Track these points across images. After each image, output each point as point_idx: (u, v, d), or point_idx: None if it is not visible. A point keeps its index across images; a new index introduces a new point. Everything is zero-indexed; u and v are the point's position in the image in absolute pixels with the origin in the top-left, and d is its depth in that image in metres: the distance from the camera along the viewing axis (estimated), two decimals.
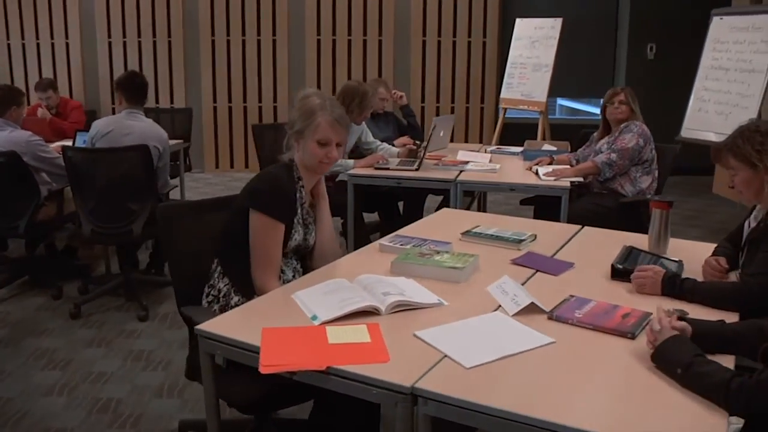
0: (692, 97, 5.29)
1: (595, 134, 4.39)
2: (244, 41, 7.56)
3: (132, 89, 4.04)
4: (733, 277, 2.27)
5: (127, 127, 3.95)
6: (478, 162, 4.45)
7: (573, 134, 7.85)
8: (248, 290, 2.27)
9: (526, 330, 1.86)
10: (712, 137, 4.93)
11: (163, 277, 4.46)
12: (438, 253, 2.38)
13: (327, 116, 2.29)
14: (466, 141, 8.00)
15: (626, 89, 4.15)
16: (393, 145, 4.75)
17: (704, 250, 2.51)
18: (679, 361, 1.59)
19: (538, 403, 1.51)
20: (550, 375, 1.65)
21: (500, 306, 2.03)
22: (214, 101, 7.65)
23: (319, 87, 7.75)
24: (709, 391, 1.50)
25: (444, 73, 7.95)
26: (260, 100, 7.73)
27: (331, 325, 1.85)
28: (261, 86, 7.70)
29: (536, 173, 4.12)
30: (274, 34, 7.57)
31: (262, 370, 1.63)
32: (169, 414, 2.93)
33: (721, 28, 5.13)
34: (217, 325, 1.87)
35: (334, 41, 7.68)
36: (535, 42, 7.33)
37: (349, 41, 7.71)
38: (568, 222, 3.66)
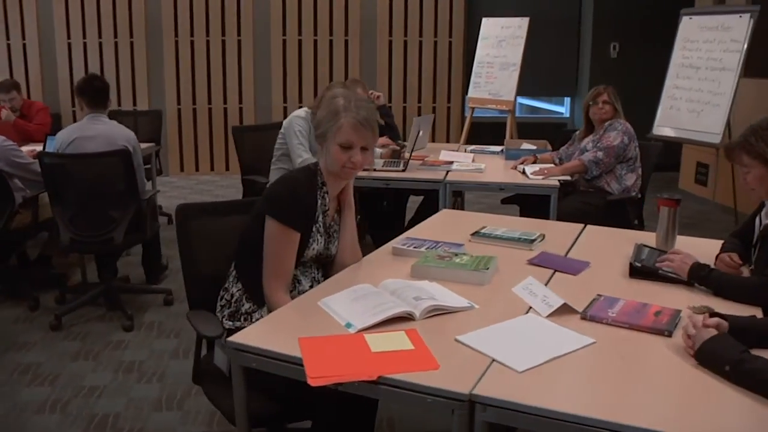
0: (663, 95, 5.40)
1: (577, 133, 4.44)
2: (208, 42, 7.42)
3: (92, 93, 3.89)
4: (746, 272, 2.32)
5: (90, 130, 3.82)
6: (462, 162, 4.46)
7: (537, 132, 8.01)
8: (260, 298, 2.21)
9: (564, 331, 1.85)
10: (684, 134, 5.04)
11: (144, 285, 4.35)
12: (456, 255, 2.35)
13: (350, 118, 2.17)
14: (433, 141, 8.01)
15: (609, 88, 4.20)
16: None
17: (710, 246, 2.56)
18: (726, 358, 1.60)
19: (597, 404, 1.50)
20: (600, 375, 1.65)
21: (531, 308, 2.02)
22: (178, 103, 7.48)
23: (284, 88, 7.67)
24: (764, 386, 1.52)
25: (410, 72, 7.95)
26: (225, 102, 7.59)
27: (368, 333, 1.80)
28: (226, 88, 7.57)
29: (523, 172, 4.14)
30: (239, 34, 7.45)
31: (312, 382, 1.57)
32: (172, 427, 2.84)
33: (690, 27, 5.26)
34: (250, 336, 1.81)
35: (300, 41, 7.60)
36: (502, 41, 7.38)
37: (315, 41, 7.64)
38: (557, 220, 3.69)
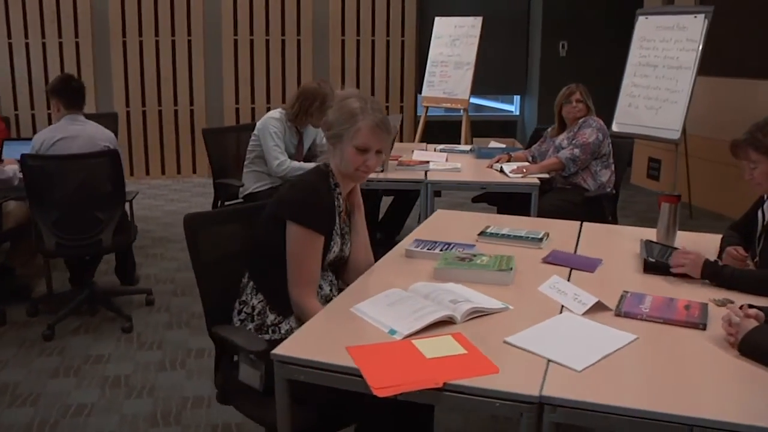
0: (621, 92, 5.56)
1: (548, 131, 4.51)
2: (157, 42, 7.19)
3: (69, 94, 3.77)
4: (750, 264, 2.40)
5: (71, 131, 3.70)
6: (437, 161, 4.46)
7: (488, 131, 8.12)
8: (284, 307, 2.16)
9: (605, 328, 1.87)
10: (643, 131, 5.20)
11: (124, 287, 4.25)
12: (475, 256, 2.35)
13: (368, 121, 2.15)
14: (401, 140, 8.01)
15: (580, 86, 4.28)
16: None
17: (708, 240, 2.66)
18: None
19: (660, 398, 1.53)
20: (653, 370, 1.68)
21: (563, 306, 2.03)
22: (127, 105, 7.23)
23: (236, 88, 7.52)
24: None
25: (363, 72, 7.93)
26: (176, 104, 7.39)
27: (415, 339, 1.78)
28: (176, 89, 7.36)
29: (501, 170, 4.18)
30: (189, 34, 7.25)
31: (377, 393, 1.54)
32: None
33: (647, 27, 5.43)
34: (293, 348, 1.75)
35: (251, 41, 7.46)
36: (455, 40, 7.45)
37: (267, 41, 7.52)
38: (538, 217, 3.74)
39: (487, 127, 8.42)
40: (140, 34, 7.13)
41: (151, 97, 7.30)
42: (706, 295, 2.13)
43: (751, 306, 1.86)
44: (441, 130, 7.64)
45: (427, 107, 7.57)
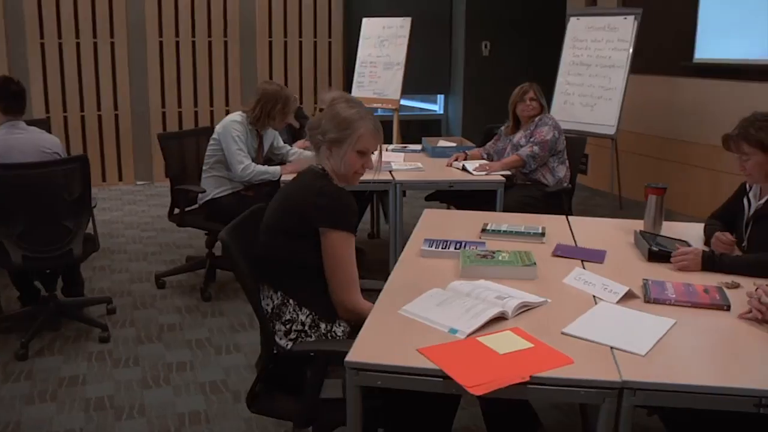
0: (556, 90, 5.80)
1: (502, 129, 4.64)
2: (78, 44, 6.84)
3: (9, 98, 3.54)
4: (736, 250, 2.59)
5: (17, 140, 3.48)
6: (396, 161, 4.51)
7: (415, 130, 8.25)
8: (331, 315, 2.17)
9: (645, 315, 1.99)
10: (579, 127, 5.46)
11: (85, 298, 4.07)
12: (494, 252, 2.42)
13: (369, 125, 2.20)
14: None
15: (533, 86, 4.44)
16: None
17: (690, 229, 2.85)
18: None
19: (730, 375, 1.66)
20: (709, 349, 1.82)
21: (594, 296, 2.13)
22: (47, 111, 6.83)
23: (162, 91, 7.27)
24: None
25: (291, 73, 7.86)
26: (99, 108, 7.05)
27: (480, 336, 1.82)
28: (99, 92, 7.02)
29: (464, 169, 4.28)
30: (112, 36, 6.94)
31: (474, 391, 1.57)
32: None
33: (578, 27, 5.69)
34: (361, 355, 1.74)
35: (177, 43, 7.23)
36: (384, 41, 7.52)
37: (194, 42, 7.31)
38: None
39: (412, 126, 8.54)
40: (59, 36, 6.75)
41: (73, 102, 6.93)
42: (714, 279, 2.29)
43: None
44: None
45: None
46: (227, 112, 7.58)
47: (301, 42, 7.83)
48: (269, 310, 2.18)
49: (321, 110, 2.27)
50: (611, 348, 1.77)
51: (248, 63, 7.59)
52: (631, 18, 5.25)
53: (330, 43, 7.98)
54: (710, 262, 2.37)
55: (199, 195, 4.24)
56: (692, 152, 5.60)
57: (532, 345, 1.77)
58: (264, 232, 2.23)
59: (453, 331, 1.85)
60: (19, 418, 2.93)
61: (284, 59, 7.79)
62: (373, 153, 2.27)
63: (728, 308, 2.04)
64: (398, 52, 7.37)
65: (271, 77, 7.71)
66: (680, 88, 5.61)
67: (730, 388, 1.59)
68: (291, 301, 2.16)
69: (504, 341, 1.79)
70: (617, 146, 5.61)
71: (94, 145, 7.07)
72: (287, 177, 4.07)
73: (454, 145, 5.05)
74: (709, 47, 5.24)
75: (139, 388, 3.19)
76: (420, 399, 1.91)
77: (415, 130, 8.07)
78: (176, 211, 4.32)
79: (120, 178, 7.25)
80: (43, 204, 3.34)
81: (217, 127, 4.19)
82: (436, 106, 9.26)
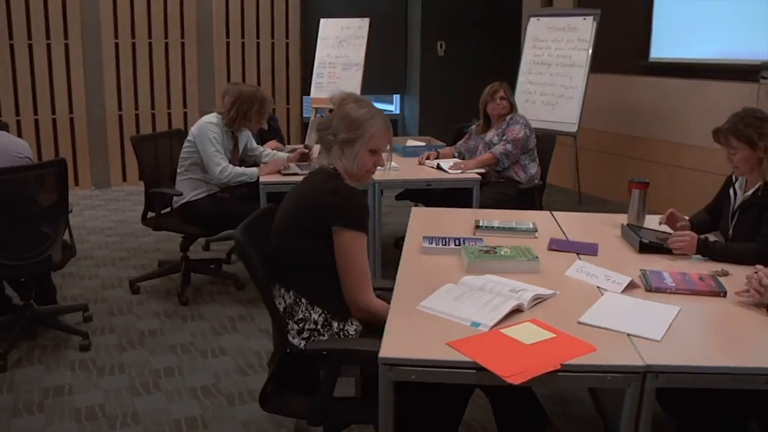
0: (518, 89, 5.94)
1: (472, 128, 4.73)
2: (30, 46, 6.63)
3: None
4: (712, 238, 2.72)
5: None
6: None
7: None
8: (343, 314, 2.19)
9: (651, 303, 2.09)
10: (542, 125, 5.60)
11: (61, 306, 3.99)
12: (496, 248, 2.49)
13: (380, 123, 2.24)
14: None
15: (503, 85, 4.55)
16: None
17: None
18: None
19: (742, 355, 1.77)
20: (717, 333, 1.94)
21: (599, 287, 2.22)
22: None
23: (119, 94, 7.12)
24: None
25: (249, 74, 7.79)
26: (54, 111, 6.85)
27: (503, 329, 1.88)
28: (54, 95, 6.83)
29: (438, 167, 4.35)
30: (66, 37, 6.75)
31: (512, 381, 1.62)
32: None
33: (538, 28, 5.85)
34: (396, 350, 1.77)
35: (134, 44, 7.09)
36: (342, 42, 7.54)
37: (150, 44, 7.18)
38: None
39: None
40: (10, 38, 6.53)
41: (26, 105, 6.72)
42: (703, 267, 2.41)
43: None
44: None
45: (317, 108, 7.59)
46: (185, 114, 7.52)
47: (258, 43, 7.77)
48: (281, 309, 2.20)
49: (330, 111, 2.30)
50: (628, 335, 1.85)
51: (205, 64, 7.50)
52: (590, 18, 5.43)
53: (287, 43, 7.95)
54: (704, 247, 2.50)
55: (174, 198, 4.18)
56: (649, 148, 5.82)
57: (554, 335, 1.85)
58: (277, 232, 2.24)
59: (475, 324, 1.91)
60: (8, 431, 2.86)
61: (242, 60, 7.73)
62: (383, 151, 2.30)
63: (725, 294, 2.16)
64: (357, 52, 7.40)
65: (228, 79, 7.64)
66: (637, 86, 5.83)
67: (743, 367, 1.70)
68: (303, 300, 2.18)
69: (527, 332, 1.86)
70: (577, 144, 5.79)
71: (48, 149, 6.87)
72: (265, 179, 4.07)
73: (424, 144, 5.12)
74: (664, 47, 5.47)
75: (129, 396, 3.14)
76: (433, 391, 1.96)
77: None
78: (150, 215, 4.26)
79: (77, 183, 7.06)
80: (19, 210, 3.24)
81: (192, 129, 4.15)
82: (391, 106, 9.33)
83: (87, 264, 4.92)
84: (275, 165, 4.24)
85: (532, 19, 5.91)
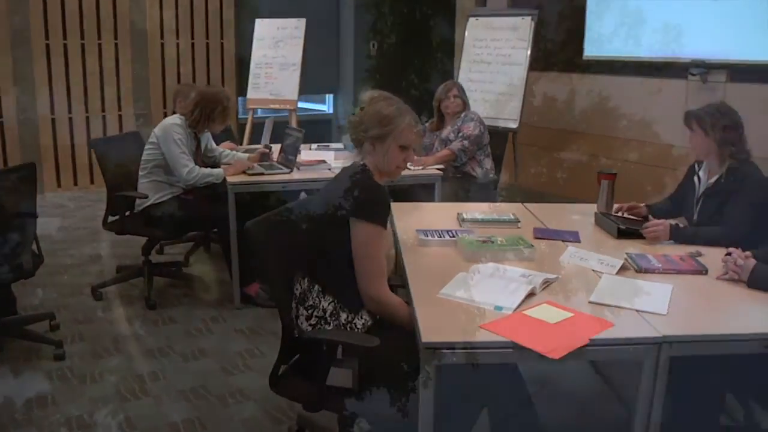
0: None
1: (426, 125, 4.88)
2: None
3: None
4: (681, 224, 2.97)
5: None
6: (331, 159, 4.62)
7: (306, 129, 8.33)
8: (355, 305, 2.26)
9: (645, 282, 2.29)
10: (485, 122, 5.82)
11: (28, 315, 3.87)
12: (490, 237, 2.64)
13: (410, 120, 2.35)
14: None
15: (456, 84, 4.73)
16: None
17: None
18: None
19: (741, 323, 1.98)
20: (711, 306, 2.16)
21: (594, 270, 2.41)
22: None
23: (51, 97, 6.87)
24: None
25: (184, 75, 7.68)
26: None
27: (525, 310, 2.03)
28: None
29: None
30: None
31: (553, 355, 1.76)
32: None
33: (477, 27, 6.07)
34: (436, 335, 1.88)
35: (65, 45, 6.86)
36: (279, 42, 7.54)
37: (83, 45, 6.96)
38: None
39: (302, 126, 8.61)
40: None
41: None
42: (678, 250, 2.64)
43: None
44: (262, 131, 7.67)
45: (254, 109, 7.57)
46: (120, 117, 7.33)
47: (193, 43, 7.68)
48: (297, 295, 2.28)
49: (362, 109, 2.37)
50: (637, 311, 2.04)
51: (140, 66, 7.34)
52: (528, 18, 5.69)
53: (222, 44, 7.88)
54: (676, 233, 2.73)
55: (137, 201, 4.13)
56: (586, 143, 6.14)
57: (572, 314, 2.01)
58: (304, 222, 2.33)
59: (498, 308, 2.05)
60: None
61: (177, 61, 7.60)
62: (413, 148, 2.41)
63: (706, 272, 2.39)
64: (294, 52, 7.41)
65: (164, 79, 7.51)
66: (573, 83, 6.15)
67: (745, 334, 1.92)
68: (316, 287, 2.26)
69: (548, 313, 2.01)
70: (517, 140, 6.04)
71: None
72: (232, 179, 4.07)
73: None
74: (596, 46, 5.80)
75: (118, 402, 3.10)
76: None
77: (307, 130, 8.14)
78: (110, 219, 4.19)
79: None
80: None
81: (156, 130, 4.11)
82: (324, 106, 9.38)
83: (40, 272, 4.72)
84: (240, 166, 4.25)
85: (471, 19, 6.12)
